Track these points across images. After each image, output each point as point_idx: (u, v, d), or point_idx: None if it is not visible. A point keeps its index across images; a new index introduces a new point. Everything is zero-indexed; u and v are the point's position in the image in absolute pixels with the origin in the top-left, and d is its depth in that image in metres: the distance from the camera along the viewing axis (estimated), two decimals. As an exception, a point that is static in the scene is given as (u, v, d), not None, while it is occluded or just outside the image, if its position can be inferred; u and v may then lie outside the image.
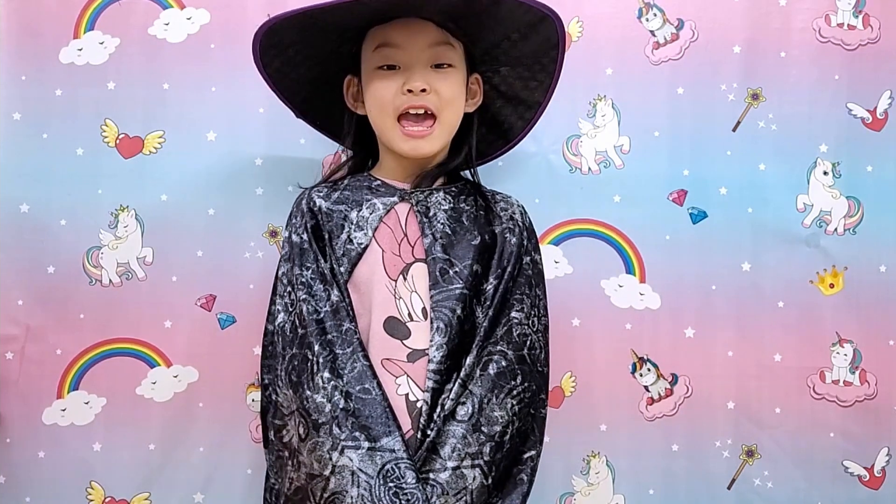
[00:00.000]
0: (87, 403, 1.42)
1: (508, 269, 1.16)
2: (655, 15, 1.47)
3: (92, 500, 1.41)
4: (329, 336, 1.09)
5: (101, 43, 1.43)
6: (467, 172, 1.28)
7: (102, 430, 1.42)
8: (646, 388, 1.45)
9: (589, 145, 1.46)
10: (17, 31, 1.43)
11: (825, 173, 1.47)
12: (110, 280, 1.42)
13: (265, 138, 1.44)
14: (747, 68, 1.47)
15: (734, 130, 1.47)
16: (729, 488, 1.45)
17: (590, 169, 1.46)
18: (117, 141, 1.43)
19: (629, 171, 1.46)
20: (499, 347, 1.12)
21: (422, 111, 1.16)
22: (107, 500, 1.41)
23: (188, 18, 1.44)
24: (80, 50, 1.43)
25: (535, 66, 1.26)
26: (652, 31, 1.47)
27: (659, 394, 1.45)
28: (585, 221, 1.46)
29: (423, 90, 1.14)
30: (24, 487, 1.41)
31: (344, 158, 1.39)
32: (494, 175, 1.41)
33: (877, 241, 1.47)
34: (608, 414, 1.45)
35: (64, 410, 1.41)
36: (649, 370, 1.45)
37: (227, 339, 1.42)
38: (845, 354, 1.46)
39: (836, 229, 1.47)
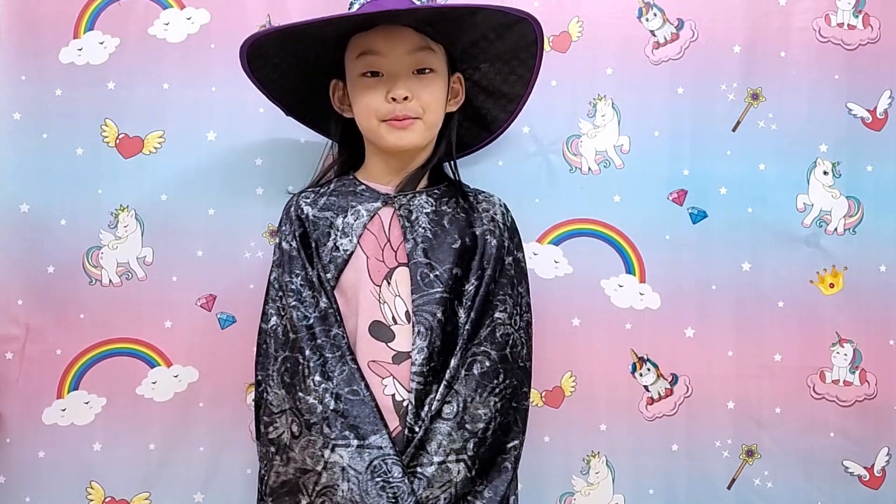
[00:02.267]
0: (87, 403, 1.42)
1: (489, 271, 1.19)
2: (655, 15, 1.47)
3: (92, 500, 1.41)
4: (318, 341, 1.15)
5: (101, 43, 1.43)
6: (449, 171, 1.30)
7: (102, 430, 1.42)
8: (646, 387, 1.45)
9: (589, 145, 1.46)
10: (17, 31, 1.42)
11: (825, 173, 1.47)
12: (110, 280, 1.42)
13: (265, 138, 1.44)
14: (747, 68, 1.47)
15: (734, 130, 1.47)
16: (729, 488, 1.45)
17: (590, 169, 1.46)
18: (117, 141, 1.43)
19: (629, 171, 1.46)
20: (482, 348, 1.16)
21: (404, 118, 1.19)
22: (107, 500, 1.41)
23: (188, 18, 1.44)
24: (80, 50, 1.43)
25: (514, 60, 1.28)
26: (652, 31, 1.47)
27: (659, 394, 1.45)
28: (585, 221, 1.46)
29: (406, 98, 1.18)
30: (24, 487, 1.41)
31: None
32: (495, 174, 1.42)
33: (877, 241, 1.47)
34: (608, 414, 1.45)
35: (64, 410, 1.41)
36: (649, 370, 1.45)
37: (227, 339, 1.42)
38: (845, 354, 1.46)
39: (836, 229, 1.47)
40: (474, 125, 1.36)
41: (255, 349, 1.39)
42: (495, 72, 1.30)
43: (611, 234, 1.46)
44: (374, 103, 1.19)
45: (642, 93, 1.46)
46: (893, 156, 1.48)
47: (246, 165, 1.44)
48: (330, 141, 1.36)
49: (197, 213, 1.43)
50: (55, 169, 1.42)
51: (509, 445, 1.17)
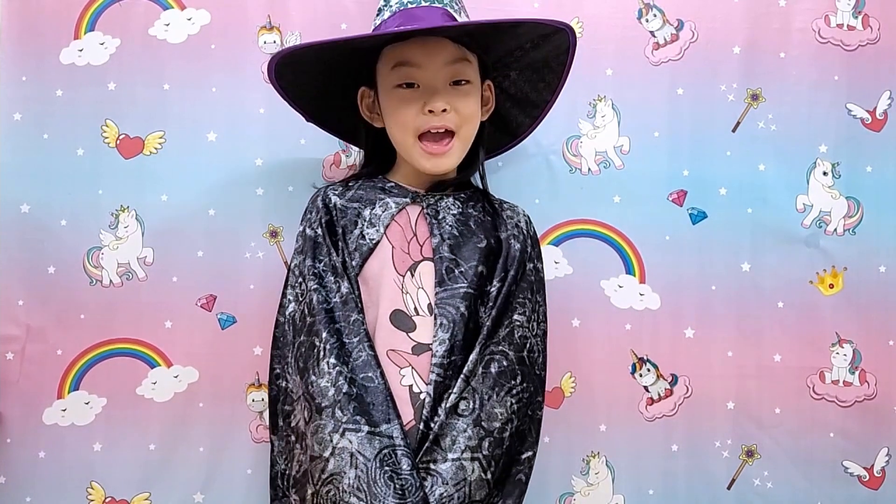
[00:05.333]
0: (87, 403, 1.42)
1: (511, 272, 1.19)
2: (655, 16, 1.47)
3: (92, 500, 1.41)
4: (338, 325, 1.13)
5: (102, 43, 1.43)
6: (476, 178, 1.30)
7: (102, 430, 1.41)
8: (645, 388, 1.45)
9: (589, 146, 1.46)
10: (17, 31, 1.43)
11: (825, 174, 1.47)
12: (111, 280, 1.42)
13: (265, 138, 1.43)
14: (747, 68, 1.47)
15: (734, 131, 1.47)
16: (729, 488, 1.45)
17: (590, 169, 1.46)
18: (118, 141, 1.43)
19: (629, 171, 1.46)
20: (500, 347, 1.15)
21: (442, 130, 1.18)
22: (107, 500, 1.41)
23: (188, 19, 1.44)
24: (81, 50, 1.43)
25: (545, 69, 1.28)
26: (652, 32, 1.47)
27: (659, 394, 1.45)
28: (585, 222, 1.46)
29: (444, 110, 1.16)
30: (24, 487, 1.41)
31: (343, 158, 1.40)
32: (494, 175, 1.42)
33: (877, 242, 1.47)
34: (608, 414, 1.45)
35: (64, 410, 1.41)
36: (649, 370, 1.45)
37: (227, 339, 1.42)
38: (845, 355, 1.46)
39: (835, 229, 1.47)
40: (496, 130, 1.34)
41: (255, 349, 1.40)
42: (525, 79, 1.30)
43: (611, 234, 1.46)
44: (409, 116, 1.17)
45: (642, 93, 1.46)
46: (893, 156, 1.48)
47: (246, 165, 1.43)
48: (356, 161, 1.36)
49: (197, 213, 1.43)
50: (55, 169, 1.42)
51: (524, 456, 1.16)
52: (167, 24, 1.44)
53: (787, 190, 1.47)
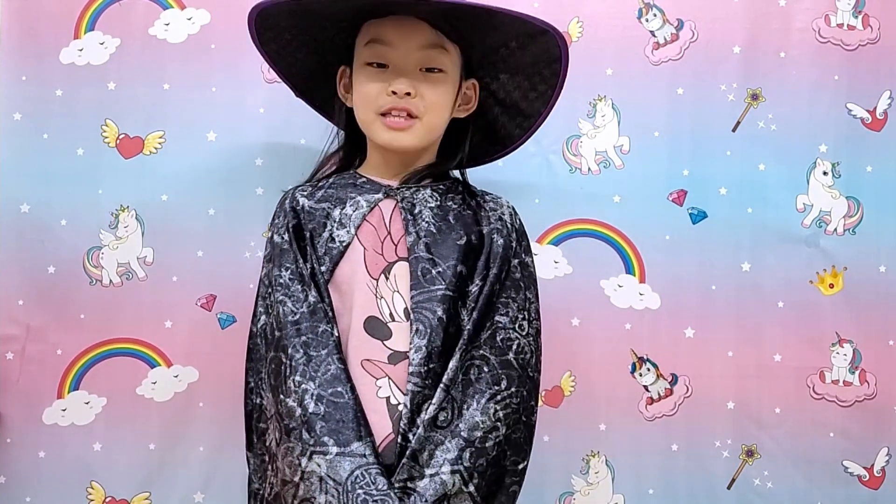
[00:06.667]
0: (87, 403, 1.42)
1: (494, 271, 1.12)
2: (655, 15, 1.47)
3: (92, 500, 1.41)
4: (304, 338, 1.07)
5: (102, 43, 1.43)
6: (456, 171, 1.26)
7: (102, 430, 1.42)
8: (645, 387, 1.45)
9: (589, 145, 1.46)
10: (17, 31, 1.43)
11: (825, 173, 1.47)
12: (111, 280, 1.42)
13: (265, 138, 1.44)
14: (747, 68, 1.47)
15: (734, 130, 1.47)
16: (729, 488, 1.45)
17: (590, 169, 1.46)
18: (118, 141, 1.43)
19: (629, 171, 1.46)
20: (481, 352, 1.08)
21: (404, 114, 1.14)
22: (107, 500, 1.41)
23: (188, 19, 1.44)
24: (81, 50, 1.43)
25: (535, 76, 1.23)
26: (652, 32, 1.47)
27: (659, 394, 1.45)
28: (585, 221, 1.46)
29: (408, 93, 1.13)
30: (24, 487, 1.41)
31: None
32: (495, 175, 1.41)
33: (877, 242, 1.47)
34: (608, 414, 1.45)
35: (64, 410, 1.42)
36: (649, 370, 1.45)
37: (227, 339, 1.42)
38: (845, 354, 1.46)
39: (835, 229, 1.47)
40: (484, 139, 1.29)
41: (253, 351, 1.40)
42: (514, 85, 1.25)
43: (611, 234, 1.46)
44: (373, 94, 1.14)
45: (642, 93, 1.46)
46: (893, 156, 1.48)
47: (246, 165, 1.44)
48: (329, 137, 1.33)
49: (197, 213, 1.43)
50: (55, 169, 1.42)
51: (520, 467, 1.08)
52: (167, 24, 1.44)
53: (787, 190, 1.47)
